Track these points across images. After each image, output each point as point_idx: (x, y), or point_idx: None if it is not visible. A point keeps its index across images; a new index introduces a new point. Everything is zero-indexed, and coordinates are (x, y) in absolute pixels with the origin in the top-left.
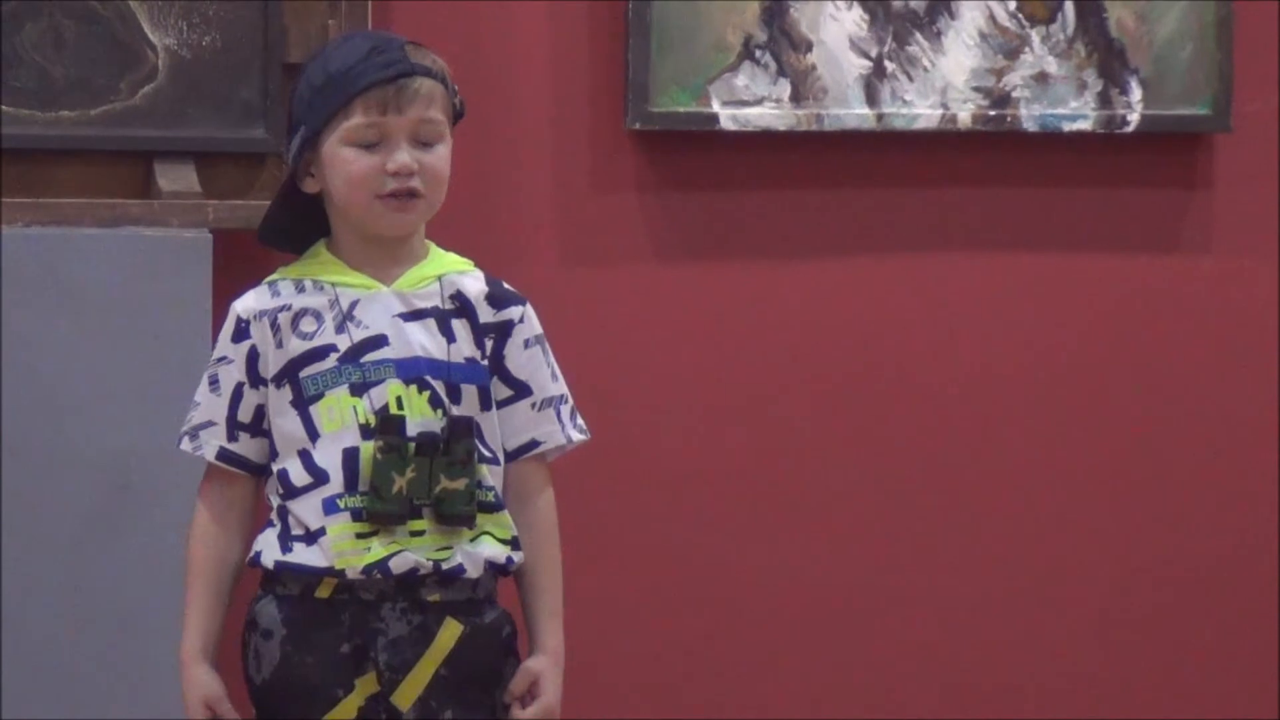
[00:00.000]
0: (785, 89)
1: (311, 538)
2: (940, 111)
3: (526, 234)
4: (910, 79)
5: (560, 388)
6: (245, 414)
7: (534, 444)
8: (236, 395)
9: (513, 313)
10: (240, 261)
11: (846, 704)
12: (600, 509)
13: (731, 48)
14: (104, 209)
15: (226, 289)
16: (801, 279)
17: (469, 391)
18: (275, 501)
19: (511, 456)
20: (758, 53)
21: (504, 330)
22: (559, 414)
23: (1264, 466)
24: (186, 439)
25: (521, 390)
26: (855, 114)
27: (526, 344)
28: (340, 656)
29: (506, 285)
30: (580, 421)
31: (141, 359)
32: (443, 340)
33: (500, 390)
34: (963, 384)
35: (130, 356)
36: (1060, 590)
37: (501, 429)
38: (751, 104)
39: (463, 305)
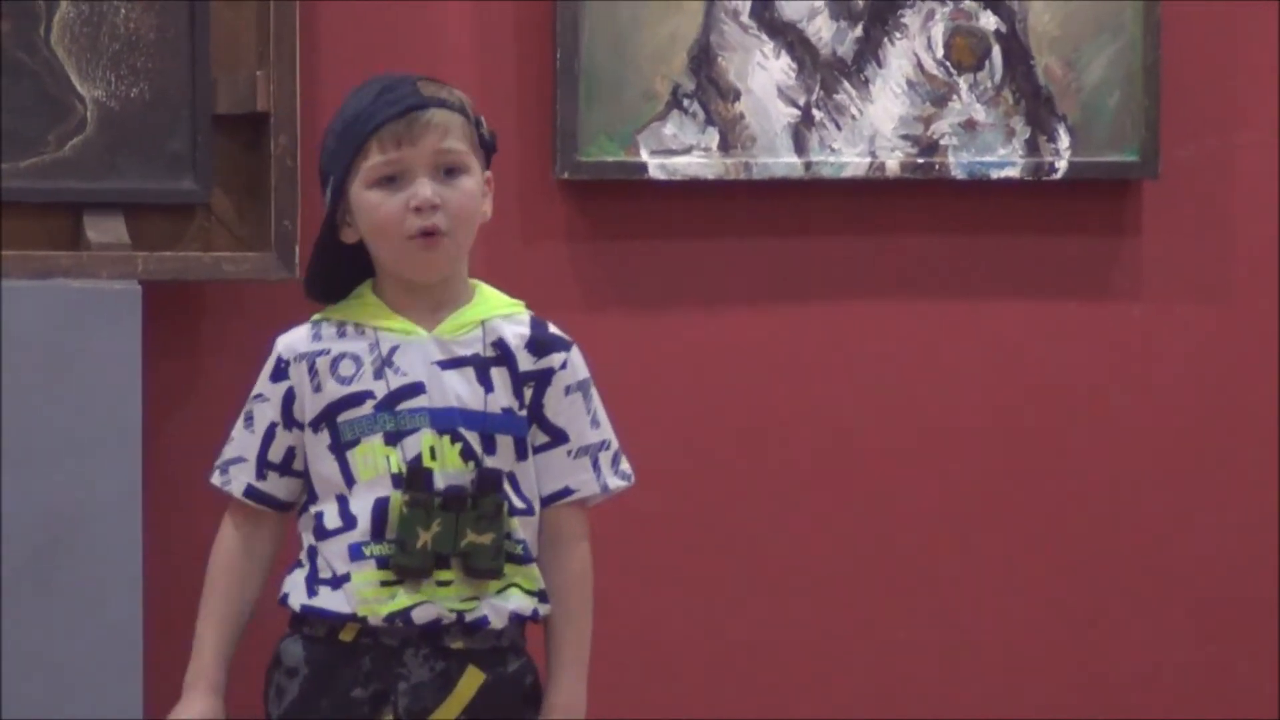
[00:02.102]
0: (713, 138)
1: (337, 582)
2: (868, 159)
3: None
4: (838, 127)
5: (601, 434)
6: (276, 454)
7: (567, 491)
8: (269, 434)
9: (554, 359)
10: (170, 313)
11: None
12: None
13: (660, 97)
14: (33, 261)
15: (156, 341)
16: (731, 328)
17: (504, 442)
18: (308, 541)
19: (546, 502)
20: (686, 101)
21: (544, 378)
22: (596, 462)
23: (1193, 511)
24: (217, 473)
25: (558, 437)
26: (783, 162)
27: (567, 390)
28: (356, 699)
29: (552, 329)
30: (624, 467)
31: (71, 411)
32: (480, 390)
33: (538, 436)
34: (891, 430)
35: (59, 409)
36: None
37: (538, 475)
38: (680, 153)
39: (503, 353)
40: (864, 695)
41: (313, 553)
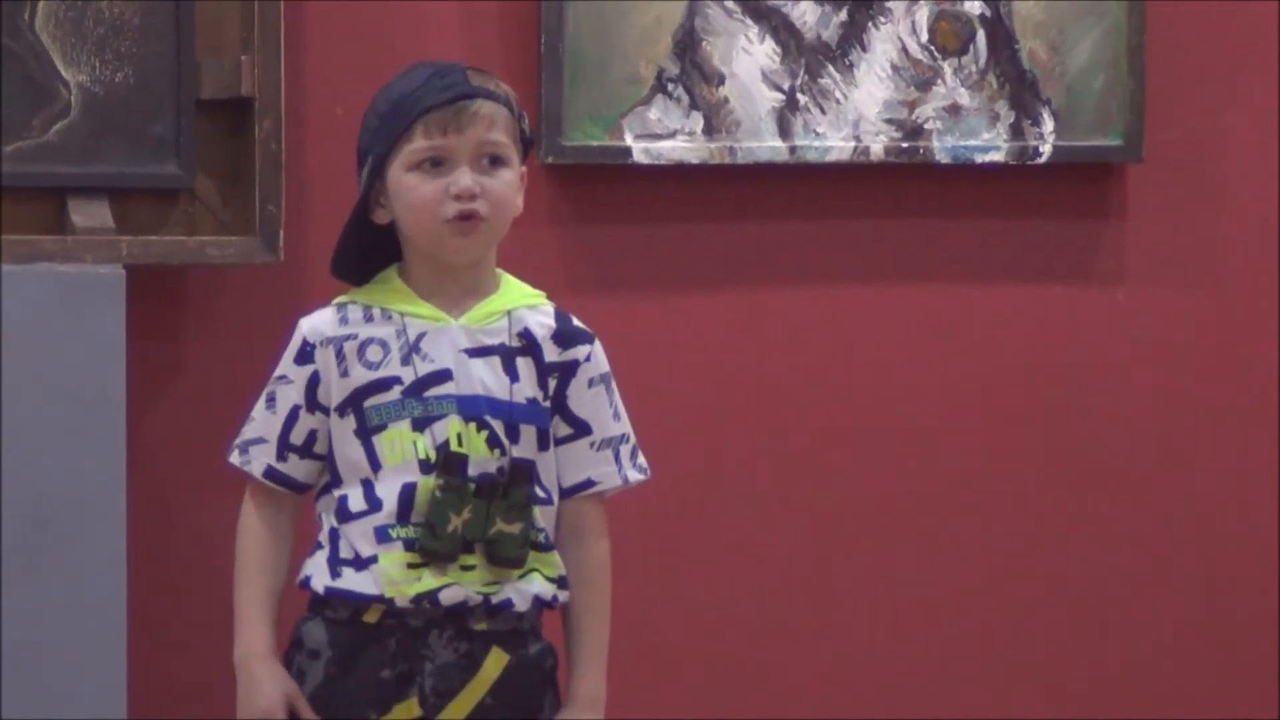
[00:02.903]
0: (698, 122)
1: (362, 564)
2: (853, 144)
3: None
4: (823, 111)
5: (622, 427)
6: (298, 436)
7: (590, 483)
8: (291, 417)
9: (579, 352)
10: (154, 297)
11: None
12: None
13: (644, 81)
14: (18, 245)
15: (140, 325)
16: (715, 312)
17: (528, 432)
18: (328, 524)
19: (567, 494)
20: (670, 86)
21: (569, 370)
22: (617, 454)
23: (1178, 498)
24: (236, 452)
25: (581, 429)
26: (768, 146)
27: (590, 383)
28: (381, 680)
29: (575, 321)
30: (641, 461)
31: (56, 395)
32: (505, 379)
33: (560, 428)
34: (875, 414)
35: (44, 392)
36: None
37: (559, 466)
38: (664, 137)
39: (529, 343)
40: (865, 680)
41: (334, 535)
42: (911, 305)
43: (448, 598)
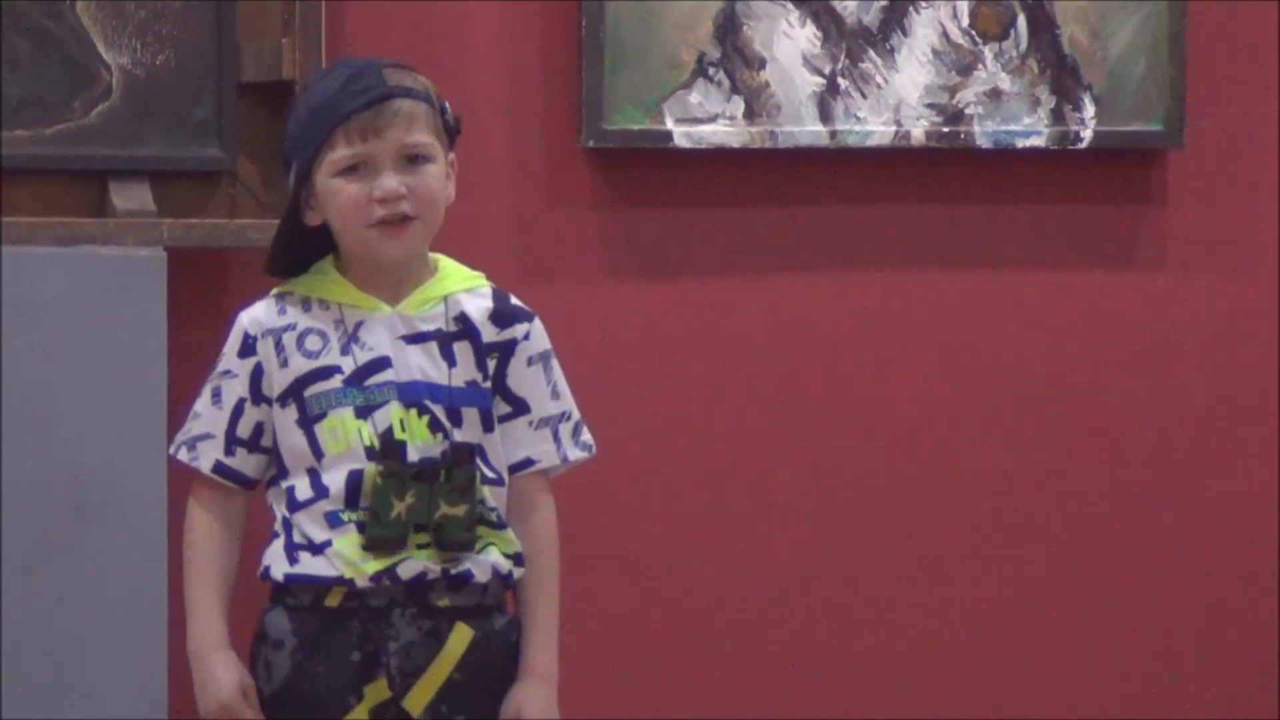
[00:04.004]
0: (739, 106)
1: (317, 549)
2: (894, 128)
3: (482, 252)
4: (864, 96)
5: (561, 405)
6: (244, 430)
7: (529, 462)
8: (237, 410)
9: (517, 330)
10: (195, 280)
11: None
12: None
13: (685, 65)
14: (59, 228)
15: (181, 307)
16: (755, 296)
17: (470, 415)
18: (280, 513)
19: (510, 472)
20: (711, 70)
21: (507, 349)
22: (556, 433)
23: (1217, 479)
24: (184, 448)
25: (520, 408)
26: (809, 131)
27: (529, 361)
28: (350, 664)
29: (514, 300)
30: (585, 438)
31: (96, 378)
32: (443, 365)
33: (500, 406)
34: (916, 400)
35: (85, 375)
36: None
37: (503, 445)
38: (705, 121)
39: (465, 327)
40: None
41: (287, 524)
42: (951, 290)
43: (406, 571)
